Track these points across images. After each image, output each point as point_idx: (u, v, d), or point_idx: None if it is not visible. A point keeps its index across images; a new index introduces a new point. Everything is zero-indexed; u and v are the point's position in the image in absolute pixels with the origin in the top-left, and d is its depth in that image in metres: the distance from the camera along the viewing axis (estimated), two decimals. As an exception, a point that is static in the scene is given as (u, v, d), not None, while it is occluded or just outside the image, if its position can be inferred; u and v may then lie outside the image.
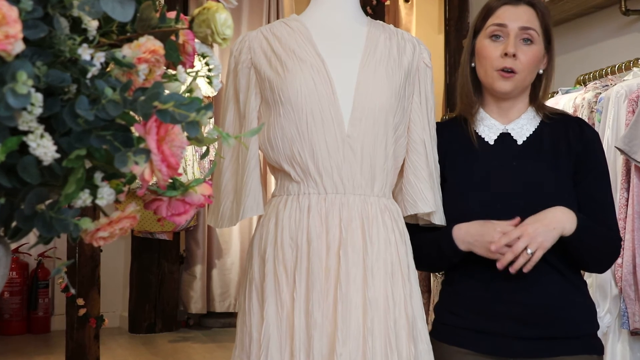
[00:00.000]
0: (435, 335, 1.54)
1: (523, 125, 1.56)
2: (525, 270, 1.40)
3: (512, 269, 1.41)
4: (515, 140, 1.55)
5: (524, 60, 1.50)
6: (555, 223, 1.41)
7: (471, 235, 1.46)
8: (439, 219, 1.51)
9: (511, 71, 1.50)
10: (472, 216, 1.49)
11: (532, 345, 1.48)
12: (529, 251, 1.39)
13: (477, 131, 1.58)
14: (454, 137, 1.59)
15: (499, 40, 1.52)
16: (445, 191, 1.53)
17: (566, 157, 1.52)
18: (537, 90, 1.58)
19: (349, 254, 1.34)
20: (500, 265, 1.41)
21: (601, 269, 1.60)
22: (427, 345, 1.43)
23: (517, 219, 1.44)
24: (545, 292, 1.48)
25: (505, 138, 1.56)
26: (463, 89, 1.60)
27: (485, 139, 1.57)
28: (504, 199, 1.49)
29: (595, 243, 1.49)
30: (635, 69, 2.43)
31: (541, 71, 1.57)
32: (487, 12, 1.56)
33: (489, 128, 1.58)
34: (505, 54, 1.49)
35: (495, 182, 1.51)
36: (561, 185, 1.51)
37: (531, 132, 1.56)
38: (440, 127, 1.56)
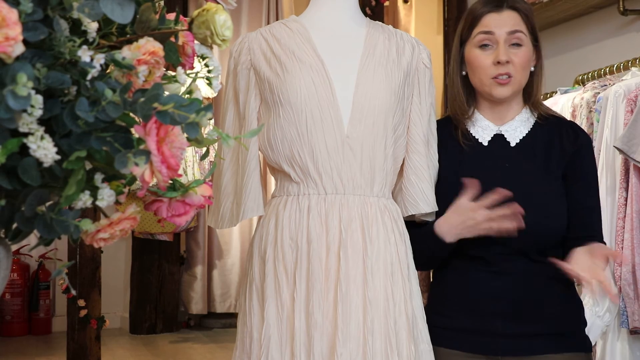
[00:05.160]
0: None
1: (517, 127, 1.57)
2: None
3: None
4: (509, 142, 1.56)
5: (517, 63, 1.51)
6: None
7: (455, 226, 1.47)
8: (433, 217, 1.52)
9: (507, 76, 1.51)
10: None
11: (520, 342, 1.48)
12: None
13: (471, 132, 1.59)
14: (448, 136, 1.59)
15: (489, 48, 1.53)
16: (437, 190, 1.53)
17: (558, 161, 1.53)
18: (530, 89, 1.59)
19: (348, 254, 1.35)
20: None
21: None
22: (428, 345, 1.43)
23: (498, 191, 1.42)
24: (531, 289, 1.49)
25: (498, 139, 1.57)
26: (455, 99, 1.60)
27: (479, 140, 1.57)
28: None
29: None
30: (633, 68, 2.44)
31: (532, 69, 1.57)
32: (472, 21, 1.56)
33: (483, 129, 1.58)
34: (498, 62, 1.50)
35: (487, 183, 1.50)
36: (551, 189, 1.51)
37: (524, 134, 1.56)
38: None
